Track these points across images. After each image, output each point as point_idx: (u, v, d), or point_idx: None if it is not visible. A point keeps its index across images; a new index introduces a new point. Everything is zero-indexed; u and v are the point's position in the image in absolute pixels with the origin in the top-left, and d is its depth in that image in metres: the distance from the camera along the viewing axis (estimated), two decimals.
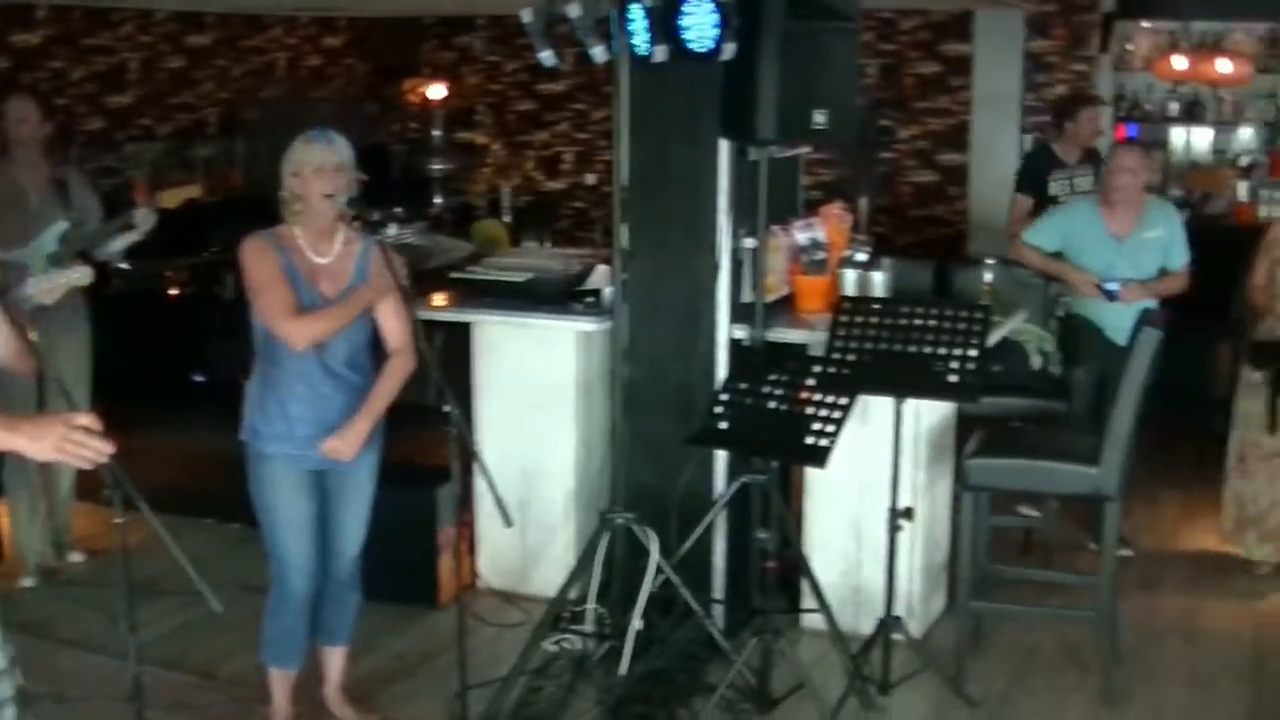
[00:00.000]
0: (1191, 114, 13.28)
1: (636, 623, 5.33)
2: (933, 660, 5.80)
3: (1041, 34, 12.06)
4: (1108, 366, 6.53)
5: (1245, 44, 13.10)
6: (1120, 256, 7.09)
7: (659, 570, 5.39)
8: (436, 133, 12.46)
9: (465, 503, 6.29)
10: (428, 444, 5.63)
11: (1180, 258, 7.18)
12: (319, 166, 4.74)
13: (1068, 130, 8.49)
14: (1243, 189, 11.02)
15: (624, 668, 5.31)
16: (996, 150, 12.03)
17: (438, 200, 11.61)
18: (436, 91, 12.70)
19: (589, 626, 5.61)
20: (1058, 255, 7.26)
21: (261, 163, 10.76)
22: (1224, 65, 11.41)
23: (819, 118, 5.48)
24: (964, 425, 6.40)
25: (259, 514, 4.97)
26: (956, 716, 5.58)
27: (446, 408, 4.70)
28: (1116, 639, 5.89)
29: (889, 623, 5.60)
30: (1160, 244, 7.13)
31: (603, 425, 6.02)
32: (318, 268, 4.84)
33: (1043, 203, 8.16)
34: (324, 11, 12.34)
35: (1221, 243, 7.86)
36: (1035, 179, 8.39)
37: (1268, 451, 7.01)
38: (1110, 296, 7.01)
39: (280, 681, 5.17)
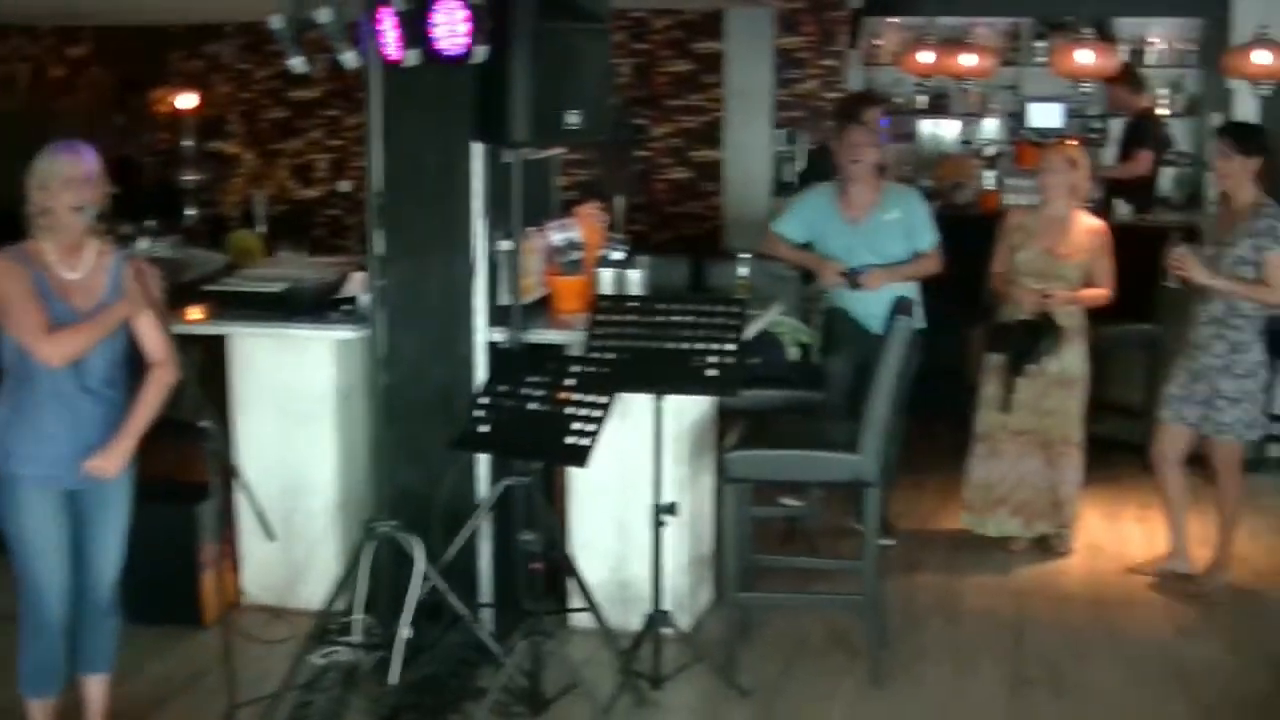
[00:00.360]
0: (939, 106, 13.65)
1: (405, 631, 5.29)
2: (703, 652, 5.85)
3: (791, 31, 12.23)
4: (865, 355, 6.61)
5: (988, 38, 13.48)
6: (859, 241, 7.22)
7: (425, 577, 5.36)
8: (187, 143, 12.18)
9: (226, 518, 6.18)
10: (186, 460, 5.54)
11: (926, 239, 7.31)
12: (66, 179, 4.61)
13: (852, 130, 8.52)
14: (989, 178, 11.31)
15: (394, 677, 5.27)
16: (749, 146, 12.19)
17: (190, 212, 11.34)
18: (186, 101, 12.43)
19: (357, 637, 5.54)
20: (808, 246, 7.39)
21: (4, 178, 10.46)
22: (968, 59, 11.70)
23: (572, 118, 5.50)
24: (724, 418, 6.48)
25: (8, 540, 4.82)
26: (729, 707, 5.64)
27: (204, 422, 4.62)
28: (882, 622, 6.01)
29: (657, 618, 5.64)
30: (900, 227, 7.27)
31: (364, 434, 5.96)
32: (69, 283, 4.72)
33: None
34: (63, 20, 12.00)
35: (970, 231, 8.02)
36: (821, 177, 8.24)
37: (1012, 430, 7.21)
38: (854, 283, 7.14)
39: (40, 712, 5.00)
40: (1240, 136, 6.82)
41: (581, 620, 5.96)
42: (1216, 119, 10.60)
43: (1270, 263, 6.53)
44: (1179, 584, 6.95)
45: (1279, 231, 6.55)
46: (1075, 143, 8.10)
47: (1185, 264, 6.54)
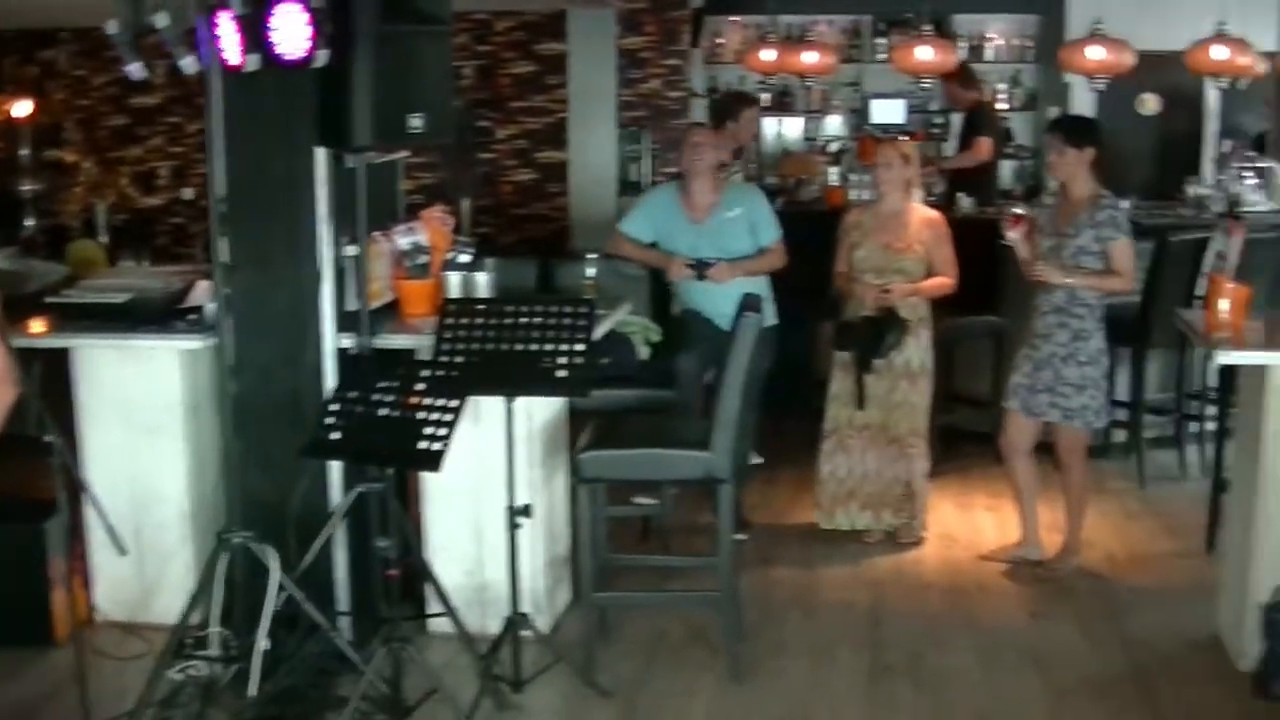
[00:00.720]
0: (782, 104, 13.76)
1: (262, 642, 5.23)
2: (563, 654, 5.85)
3: (634, 31, 12.25)
4: (716, 353, 6.66)
5: (829, 35, 13.63)
6: (703, 239, 7.31)
7: (281, 587, 5.31)
8: (24, 151, 11.97)
9: (76, 534, 6.08)
10: (31, 476, 5.42)
11: (769, 235, 7.42)
12: None
13: (728, 129, 8.57)
14: (833, 174, 11.43)
15: (253, 689, 5.21)
16: (594, 146, 12.20)
17: (29, 222, 11.14)
18: (21, 108, 12.19)
19: (214, 650, 5.47)
20: (654, 245, 7.43)
21: None
22: (810, 56, 11.78)
23: (415, 121, 5.47)
24: (576, 419, 6.48)
25: None
26: (590, 707, 5.64)
27: (48, 437, 4.54)
28: (739, 617, 6.06)
29: (516, 620, 5.63)
30: (742, 223, 7.36)
31: (214, 444, 5.88)
32: None
33: None
34: None
35: (816, 226, 8.14)
36: None
37: (859, 425, 7.30)
38: (701, 275, 7.20)
39: None
40: (1071, 130, 6.95)
41: (440, 625, 5.93)
42: (1054, 113, 10.81)
43: (1116, 252, 6.68)
44: (1031, 570, 7.08)
45: (1120, 221, 6.71)
46: (908, 138, 8.23)
47: (1042, 272, 6.69)
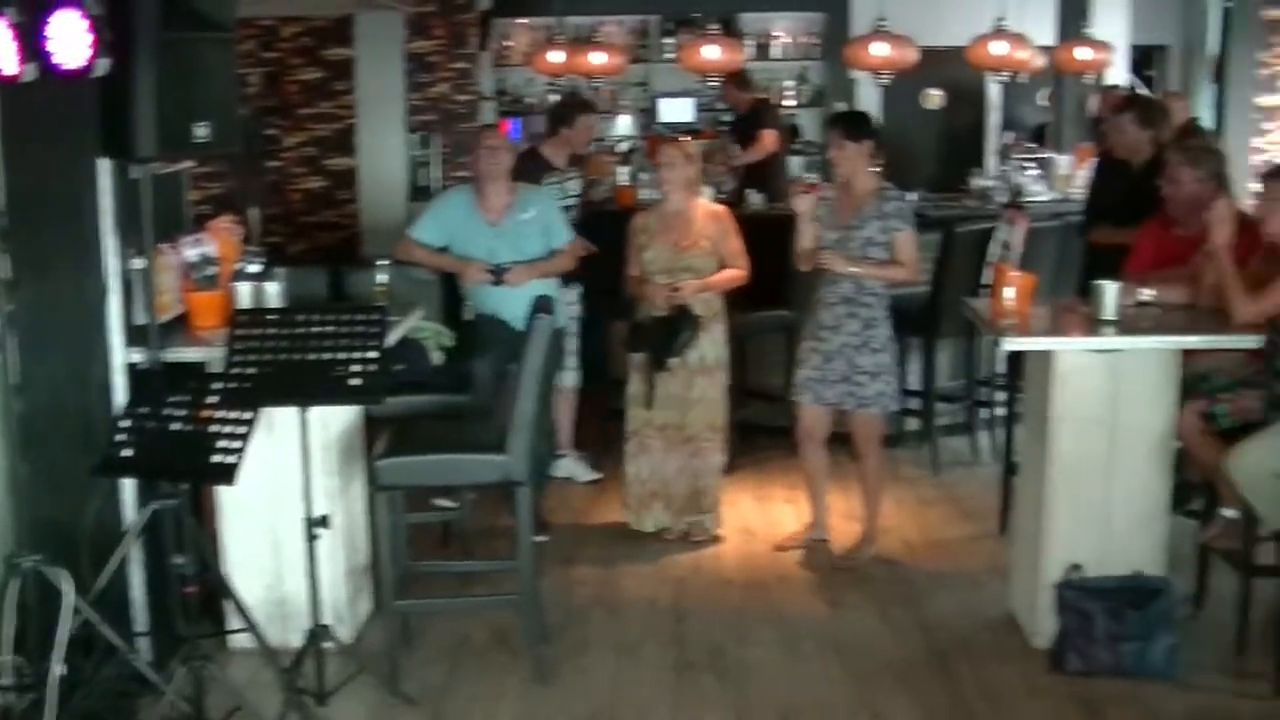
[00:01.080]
0: None
1: (58, 668, 5.10)
2: (367, 663, 5.81)
3: (422, 34, 12.22)
4: (511, 355, 6.66)
5: (617, 35, 13.72)
6: (500, 241, 7.32)
7: (76, 610, 5.19)
8: None
9: None
10: None
11: (561, 236, 7.49)
12: None
13: (562, 135, 8.47)
14: (624, 174, 11.49)
15: (50, 717, 5.09)
16: (384, 152, 12.15)
17: None
18: None
19: (7, 679, 5.33)
20: (446, 250, 7.41)
21: None
22: (598, 57, 11.84)
23: (200, 130, 5.39)
24: (372, 426, 6.44)
25: None
26: (396, 716, 5.61)
27: None
28: (542, 618, 6.08)
29: (318, 632, 5.58)
30: (537, 225, 7.41)
31: (1, 465, 5.75)
32: None
33: None
34: None
35: (608, 226, 8.17)
36: (528, 182, 8.10)
37: (658, 425, 7.35)
38: (498, 280, 7.21)
39: None
40: (848, 124, 7.09)
41: (241, 641, 5.86)
42: (840, 109, 10.98)
43: (900, 243, 6.81)
44: (830, 559, 7.20)
45: (905, 213, 6.87)
46: (691, 137, 8.30)
47: (828, 261, 6.79)
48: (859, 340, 6.92)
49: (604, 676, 5.93)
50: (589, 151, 8.94)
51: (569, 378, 8.20)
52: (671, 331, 7.15)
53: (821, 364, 6.98)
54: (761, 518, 7.86)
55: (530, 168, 8.33)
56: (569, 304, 8.17)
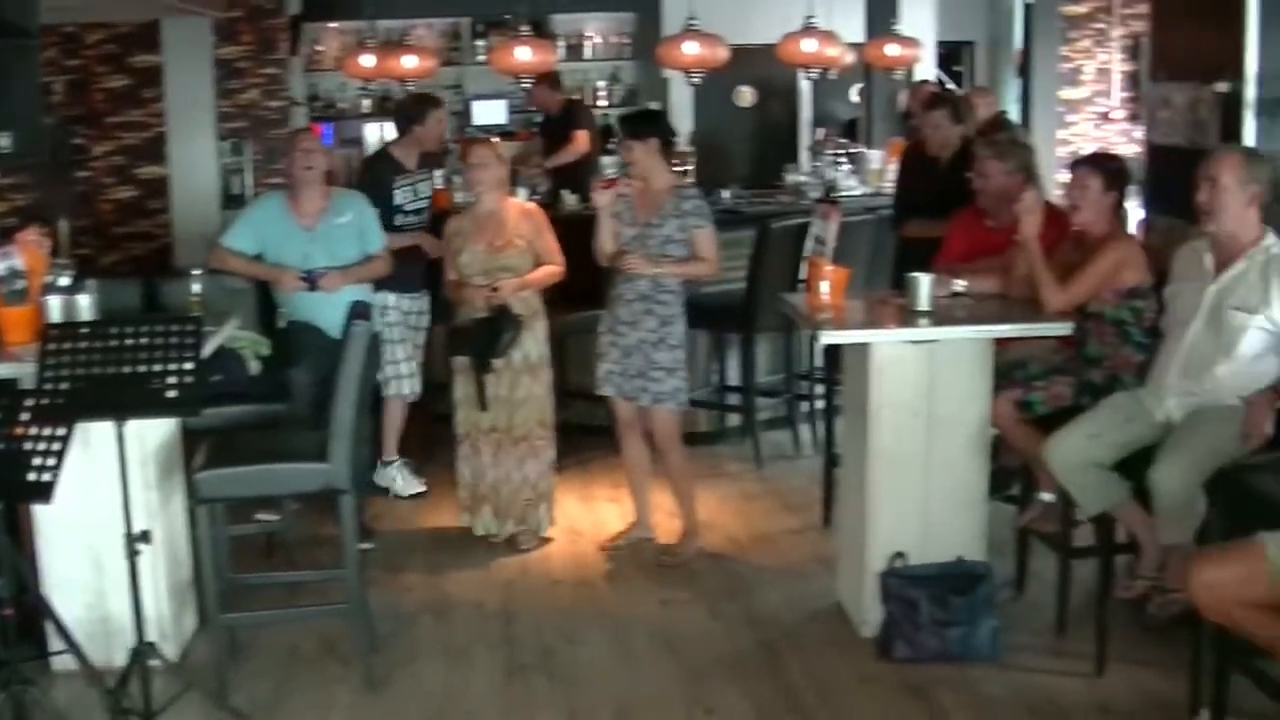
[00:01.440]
0: (384, 109, 13.73)
1: None
2: (194, 680, 5.71)
3: (230, 40, 12.10)
4: (329, 363, 6.60)
5: (429, 38, 13.66)
6: (314, 246, 7.25)
7: None
8: None
9: None
10: None
11: (376, 242, 7.45)
12: None
13: (415, 133, 8.26)
14: (438, 176, 11.42)
15: None
16: (195, 160, 12.01)
17: None
18: None
19: None
20: (260, 257, 7.33)
21: None
22: (410, 60, 11.76)
23: (3, 140, 5.30)
24: (190, 439, 6.34)
25: None
26: None
27: None
28: (370, 626, 6.05)
29: (143, 650, 5.46)
30: (352, 230, 7.35)
31: None
32: None
33: (389, 211, 7.93)
34: None
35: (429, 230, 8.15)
36: (379, 185, 8.05)
37: (486, 428, 7.33)
38: (312, 286, 7.15)
39: None
40: (632, 124, 7.14)
41: (64, 662, 5.72)
42: (654, 108, 11.03)
43: (700, 239, 6.88)
44: (656, 556, 7.23)
45: (704, 210, 6.94)
46: (497, 138, 8.30)
47: (631, 264, 6.83)
48: (656, 337, 6.97)
49: (435, 682, 5.90)
50: (442, 149, 8.80)
51: (407, 385, 8.09)
52: (494, 333, 7.13)
53: (621, 358, 7.04)
54: (588, 517, 7.88)
55: (380, 170, 8.27)
56: (420, 313, 8.16)
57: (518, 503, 7.39)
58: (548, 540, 7.50)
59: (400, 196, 8.07)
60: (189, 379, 5.19)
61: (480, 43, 14.16)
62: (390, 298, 7.85)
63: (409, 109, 8.50)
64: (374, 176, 8.18)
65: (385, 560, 7.19)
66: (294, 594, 6.66)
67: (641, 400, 7.06)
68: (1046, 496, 6.27)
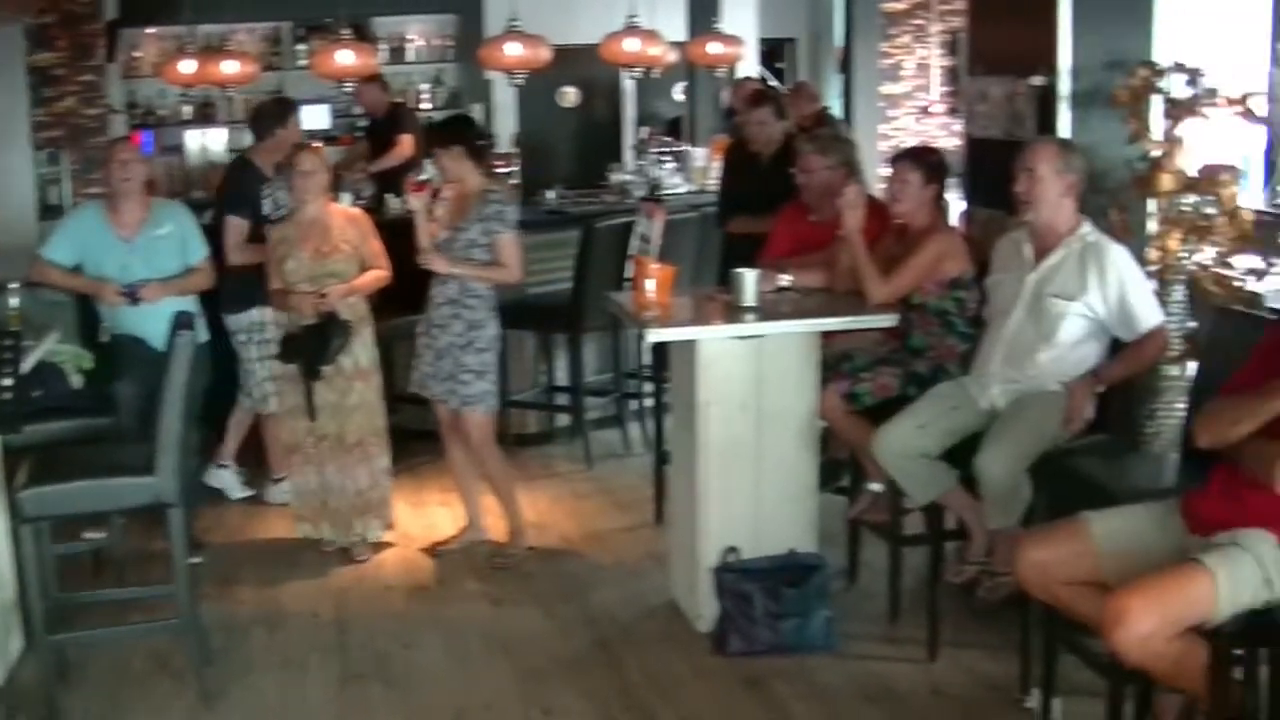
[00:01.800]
0: (205, 116, 13.57)
1: None
2: (21, 704, 5.64)
3: (44, 46, 11.89)
4: (153, 375, 6.50)
5: (249, 43, 13.52)
6: (134, 257, 7.15)
7: None
8: None
9: None
10: None
11: (198, 252, 7.36)
12: None
13: (278, 136, 8.03)
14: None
15: None
16: (9, 171, 11.76)
17: None
18: None
19: None
20: (79, 268, 7.20)
21: None
22: (230, 66, 11.56)
23: None
24: (11, 457, 6.19)
25: None
26: None
27: None
28: (203, 640, 5.98)
29: None
30: (173, 241, 7.26)
31: None
32: None
33: (259, 221, 7.76)
34: None
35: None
36: (245, 197, 7.88)
37: (318, 435, 7.27)
38: (133, 299, 7.05)
39: None
40: (438, 132, 7.27)
41: None
42: (477, 110, 11.03)
43: (501, 245, 6.90)
44: (488, 559, 7.22)
45: (506, 216, 6.98)
46: (319, 144, 8.23)
47: (431, 261, 6.83)
48: (464, 340, 7.00)
49: (271, 694, 5.85)
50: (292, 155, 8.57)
51: (272, 401, 7.91)
52: (323, 339, 7.07)
53: (434, 360, 7.08)
54: (419, 522, 7.85)
55: (244, 179, 8.09)
56: None
57: (353, 510, 7.33)
58: (387, 545, 7.46)
59: (267, 206, 7.82)
60: (8, 395, 5.11)
61: (301, 47, 14.03)
62: (268, 312, 7.72)
63: (271, 112, 8.31)
64: (242, 188, 8.01)
65: (216, 573, 7.08)
66: (124, 611, 6.53)
67: (450, 403, 7.07)
68: (875, 486, 6.37)
